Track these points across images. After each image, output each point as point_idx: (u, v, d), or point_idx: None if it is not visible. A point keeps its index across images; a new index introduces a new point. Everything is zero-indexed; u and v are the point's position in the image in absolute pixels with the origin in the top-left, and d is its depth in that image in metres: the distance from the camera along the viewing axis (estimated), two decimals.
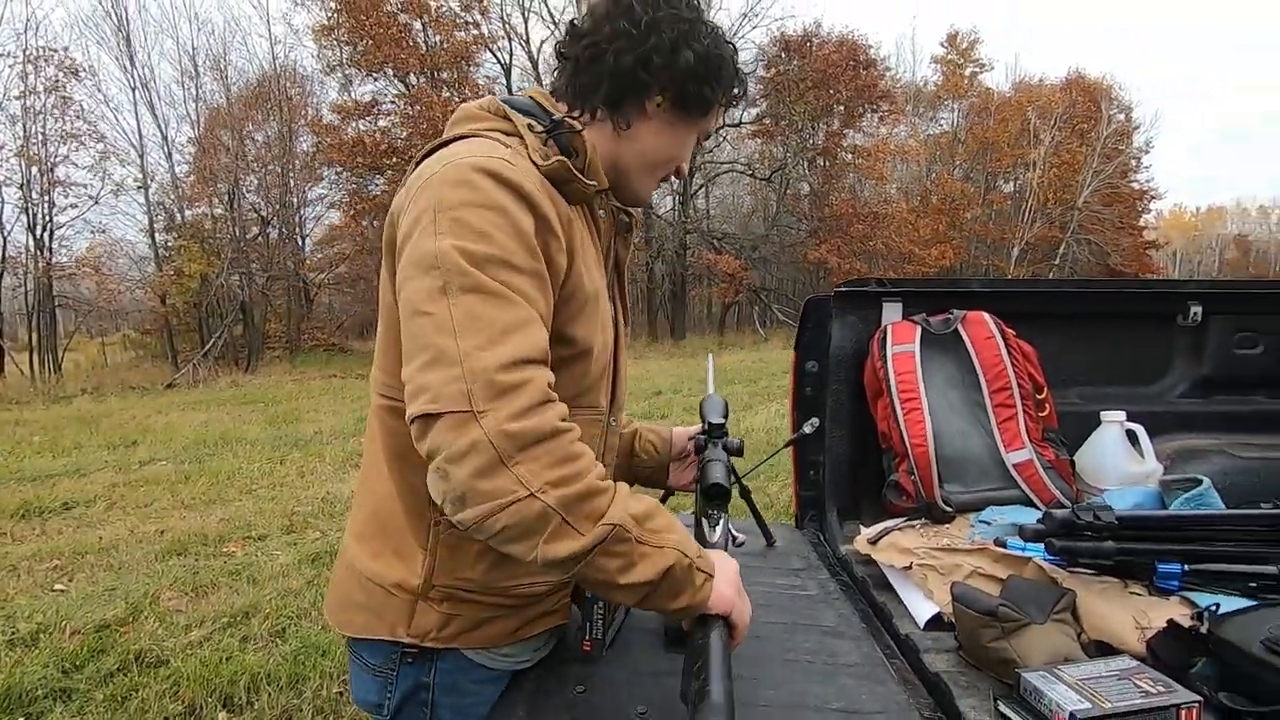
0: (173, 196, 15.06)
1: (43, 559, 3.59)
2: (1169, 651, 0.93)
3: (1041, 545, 1.08)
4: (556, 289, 0.79)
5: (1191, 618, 0.94)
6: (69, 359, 13.94)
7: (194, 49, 15.57)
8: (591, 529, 0.69)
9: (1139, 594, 1.05)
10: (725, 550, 0.89)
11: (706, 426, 1.06)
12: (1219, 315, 1.64)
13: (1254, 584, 1.03)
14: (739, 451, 1.05)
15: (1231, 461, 1.55)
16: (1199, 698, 0.82)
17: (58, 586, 3.24)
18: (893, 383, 1.46)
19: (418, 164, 0.84)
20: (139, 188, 14.62)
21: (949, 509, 1.38)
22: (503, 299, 0.71)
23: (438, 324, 0.69)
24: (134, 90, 14.58)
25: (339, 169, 16.96)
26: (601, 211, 0.93)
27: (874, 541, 1.33)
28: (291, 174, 16.57)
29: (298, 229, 17.72)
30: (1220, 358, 1.65)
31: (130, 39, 14.53)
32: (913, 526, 1.36)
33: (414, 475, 0.82)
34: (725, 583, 0.79)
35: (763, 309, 20.82)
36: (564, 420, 0.70)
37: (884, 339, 1.52)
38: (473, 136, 0.83)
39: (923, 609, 1.14)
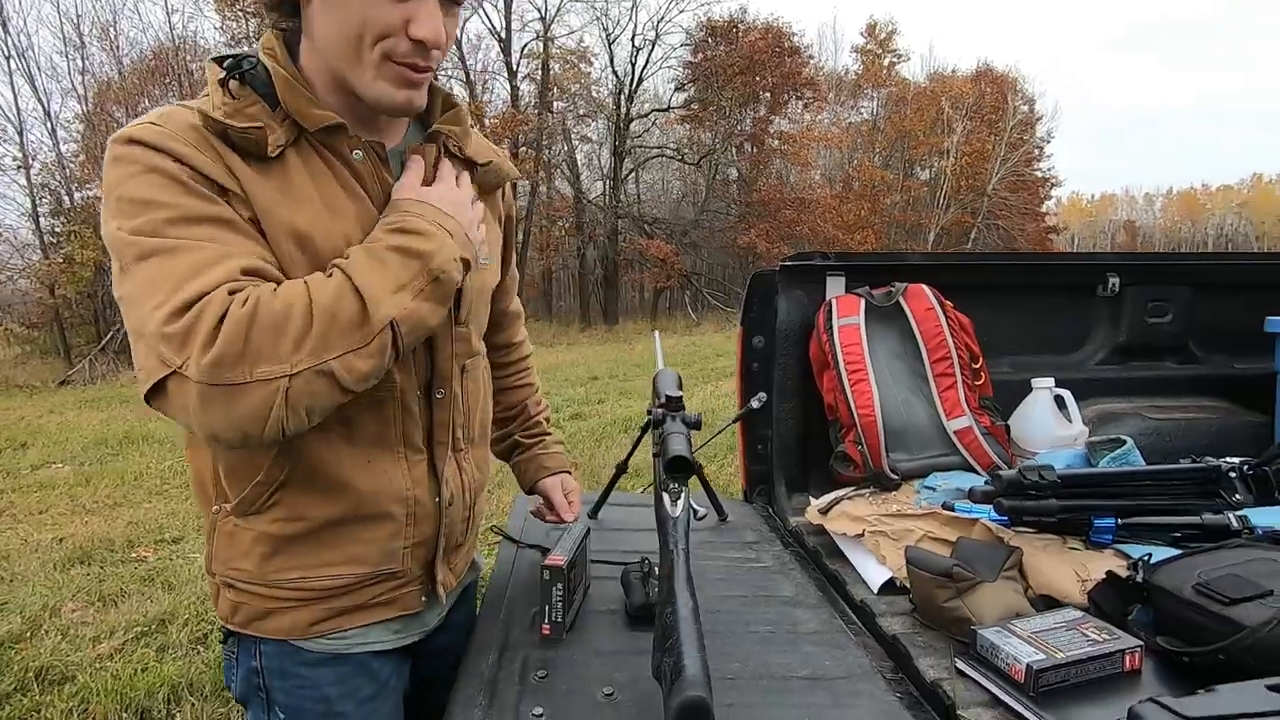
0: (59, 178, 13.78)
1: None
2: (1108, 601, 0.97)
3: (989, 507, 1.11)
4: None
5: (1128, 568, 0.99)
6: None
7: (78, 15, 14.30)
8: (367, 339, 0.68)
9: (1077, 549, 1.10)
10: (686, 527, 0.88)
11: (664, 400, 1.03)
12: (1133, 286, 1.74)
13: (1178, 534, 1.10)
14: (697, 425, 1.03)
15: (1144, 423, 1.65)
16: (1141, 642, 0.87)
17: None
18: (839, 355, 1.48)
19: None
20: (19, 168, 13.32)
21: (895, 477, 1.41)
22: (174, 252, 0.66)
23: (128, 303, 0.67)
24: (8, 59, 13.24)
25: None
26: (358, 153, 0.78)
27: (825, 511, 1.34)
28: None
29: None
30: (1134, 326, 1.75)
31: (1, 2, 13.18)
32: (862, 495, 1.38)
33: (195, 463, 0.85)
34: (436, 230, 0.76)
35: (694, 293, 21.02)
36: (249, 299, 0.65)
37: (830, 312, 1.53)
38: None
39: (876, 574, 1.16)
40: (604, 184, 20.99)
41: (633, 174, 21.89)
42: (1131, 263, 1.75)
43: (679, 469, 0.89)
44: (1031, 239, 26.61)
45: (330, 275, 0.70)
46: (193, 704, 2.15)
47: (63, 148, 13.90)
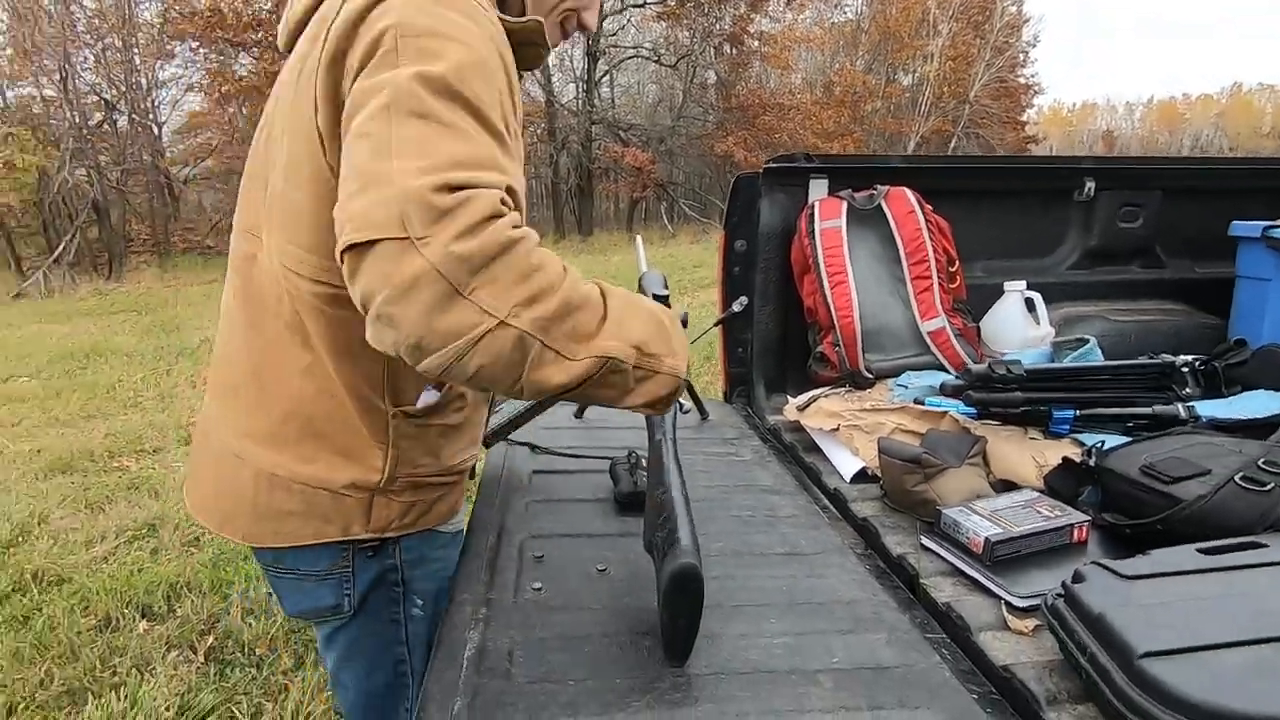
0: None
1: None
2: (1063, 483, 1.05)
3: (957, 401, 1.17)
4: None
5: (1081, 454, 1.06)
6: None
7: None
8: (582, 354, 0.63)
9: (1037, 438, 1.17)
10: (674, 419, 0.91)
11: (652, 298, 1.05)
12: (1107, 190, 1.76)
13: (1130, 424, 1.17)
14: (684, 323, 1.05)
15: (1108, 324, 1.72)
16: (1089, 517, 0.95)
17: None
18: (820, 258, 1.50)
19: None
20: None
21: (870, 376, 1.47)
22: (459, 132, 0.62)
23: (374, 146, 0.60)
24: None
25: (194, 44, 14.83)
26: None
27: (802, 408, 1.40)
28: (136, 49, 14.33)
29: (152, 115, 15.58)
30: (1106, 231, 1.79)
31: None
32: (837, 393, 1.44)
33: (366, 366, 0.78)
34: (683, 360, 0.75)
35: (670, 204, 20.63)
36: (517, 228, 0.61)
37: (812, 215, 1.54)
38: None
39: (849, 465, 1.23)
40: (577, 87, 20.05)
41: (607, 76, 20.91)
42: (1107, 167, 1.76)
43: None
44: (1011, 148, 26.29)
45: (589, 303, 0.65)
46: (192, 600, 2.24)
47: None
